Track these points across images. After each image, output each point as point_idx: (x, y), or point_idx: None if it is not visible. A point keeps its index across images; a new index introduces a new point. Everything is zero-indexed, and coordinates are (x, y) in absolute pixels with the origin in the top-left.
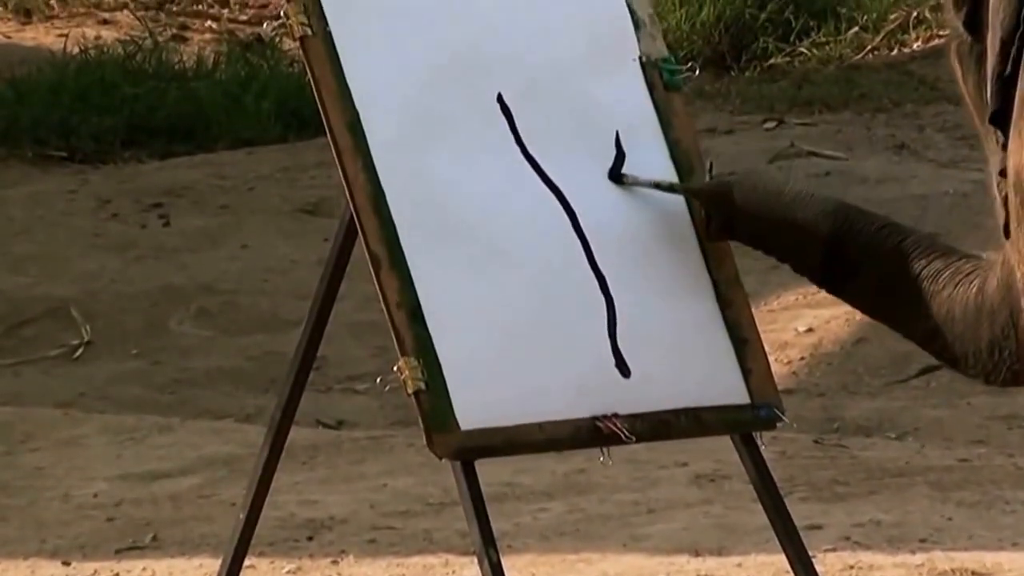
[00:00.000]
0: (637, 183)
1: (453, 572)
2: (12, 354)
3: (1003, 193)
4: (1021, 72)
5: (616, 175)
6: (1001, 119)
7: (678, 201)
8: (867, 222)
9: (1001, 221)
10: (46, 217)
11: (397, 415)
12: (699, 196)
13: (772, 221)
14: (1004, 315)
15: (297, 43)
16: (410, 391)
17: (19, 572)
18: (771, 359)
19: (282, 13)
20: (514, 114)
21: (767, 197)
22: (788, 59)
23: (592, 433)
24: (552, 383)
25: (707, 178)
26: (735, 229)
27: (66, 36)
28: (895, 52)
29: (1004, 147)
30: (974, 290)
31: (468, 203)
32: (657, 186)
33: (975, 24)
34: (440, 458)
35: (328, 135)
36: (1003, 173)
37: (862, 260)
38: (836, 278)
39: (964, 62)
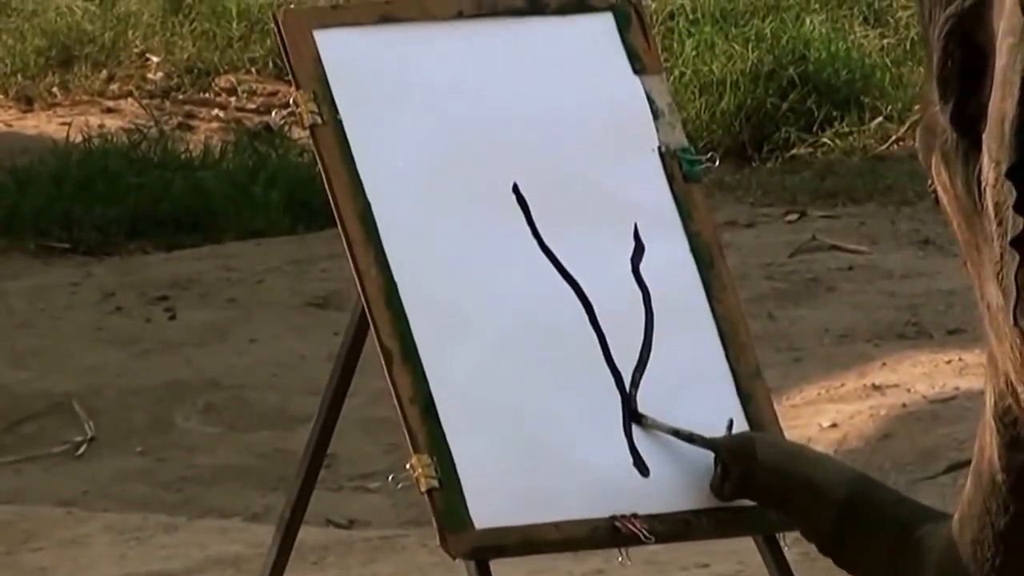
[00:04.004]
0: (656, 426)
1: None
2: (13, 451)
3: (1015, 267)
4: None
5: (635, 415)
6: (1020, 173)
7: (698, 297)
8: (884, 494)
9: (1010, 306)
10: (48, 310)
11: (410, 514)
12: (719, 450)
13: (790, 479)
14: (978, 506)
15: (307, 132)
16: (423, 489)
17: None
18: None
19: (291, 101)
20: (530, 204)
21: (787, 455)
22: (810, 149)
23: (610, 533)
24: (569, 481)
25: (726, 433)
26: (753, 485)
27: (69, 124)
28: None
29: (1018, 209)
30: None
31: (483, 296)
32: (676, 434)
33: (962, 119)
34: (454, 558)
35: (339, 226)
36: (1017, 243)
37: (872, 531)
38: (844, 545)
39: (950, 161)
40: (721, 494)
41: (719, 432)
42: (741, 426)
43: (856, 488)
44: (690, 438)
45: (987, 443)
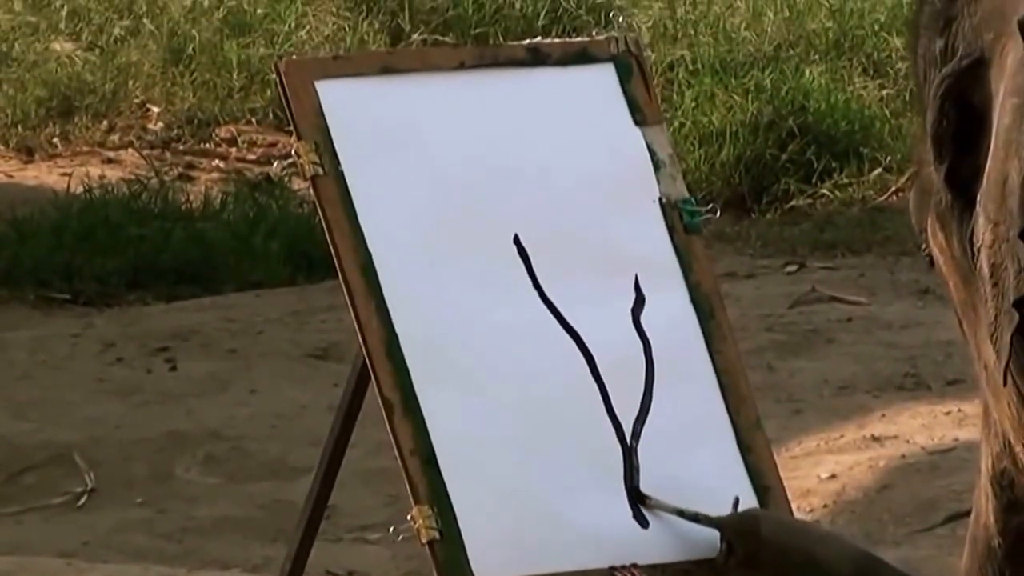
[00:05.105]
0: (660, 507)
1: None
2: (14, 502)
3: (1011, 328)
4: None
5: (640, 497)
6: None
7: (698, 348)
8: (887, 572)
9: (1001, 366)
10: (49, 361)
11: (410, 565)
12: (724, 529)
13: (795, 557)
14: (975, 574)
15: (308, 183)
16: (424, 540)
17: None
18: (793, 507)
19: (293, 152)
20: (531, 255)
21: (792, 533)
22: (810, 201)
23: None
24: (569, 532)
25: (732, 511)
26: (758, 563)
27: (69, 175)
28: None
29: None
30: None
31: (483, 348)
32: (681, 514)
33: (957, 179)
34: None
35: (340, 277)
36: (1019, 304)
37: None
38: None
39: (945, 222)
40: (726, 571)
41: (721, 485)
42: (742, 480)
43: (861, 566)
44: (695, 518)
45: (983, 508)
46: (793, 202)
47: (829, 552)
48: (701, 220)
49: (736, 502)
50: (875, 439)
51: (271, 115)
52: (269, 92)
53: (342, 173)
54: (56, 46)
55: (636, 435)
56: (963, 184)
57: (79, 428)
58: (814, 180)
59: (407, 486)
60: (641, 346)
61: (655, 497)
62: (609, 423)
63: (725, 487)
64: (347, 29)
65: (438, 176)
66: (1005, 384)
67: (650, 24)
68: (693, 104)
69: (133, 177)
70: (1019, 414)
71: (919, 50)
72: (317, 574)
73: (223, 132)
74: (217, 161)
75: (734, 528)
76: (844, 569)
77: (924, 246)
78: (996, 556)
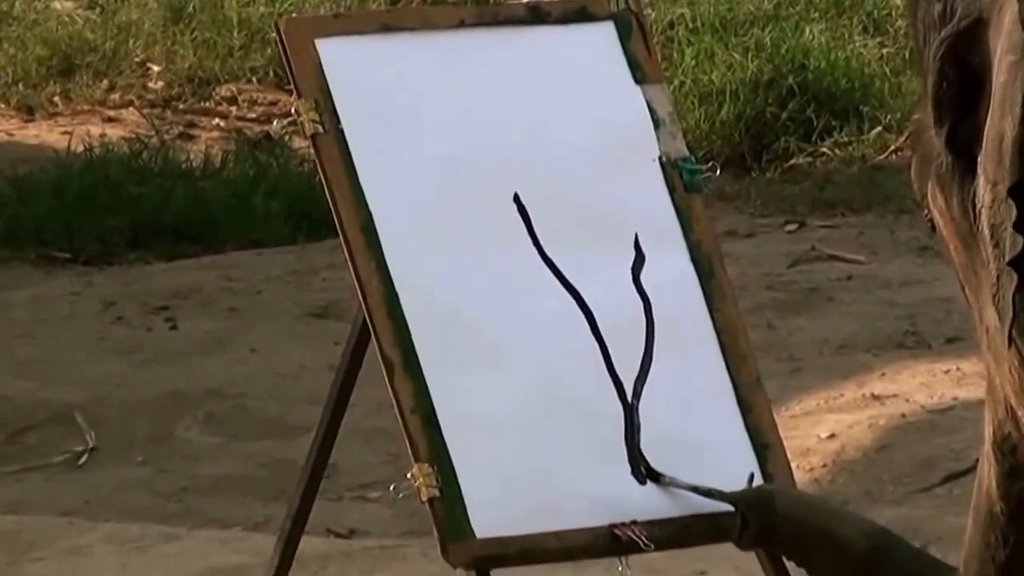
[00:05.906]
0: (675, 484)
1: None
2: (15, 461)
3: (1012, 287)
4: None
5: (653, 475)
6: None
7: (698, 307)
8: (904, 550)
9: (1005, 327)
10: (49, 320)
11: (410, 524)
12: (739, 504)
13: (810, 532)
14: (978, 542)
15: (308, 141)
16: (424, 498)
17: None
18: (793, 466)
19: (293, 111)
20: (531, 214)
21: (808, 508)
22: (810, 159)
23: (610, 541)
24: (568, 490)
25: (746, 486)
26: (773, 538)
27: (70, 134)
28: None
29: (1018, 228)
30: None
31: (483, 306)
32: (695, 490)
33: (957, 142)
34: (455, 567)
35: (340, 236)
36: (1016, 262)
37: None
38: None
39: (946, 185)
40: (740, 545)
41: (721, 443)
42: (741, 438)
43: (876, 542)
44: (708, 493)
45: (985, 475)
46: (793, 160)
47: (845, 527)
48: (701, 179)
49: (751, 478)
50: (875, 398)
51: (271, 74)
52: (269, 50)
53: (342, 131)
54: (56, 4)
55: (636, 394)
56: (963, 146)
57: (80, 387)
58: (814, 139)
59: (407, 444)
60: (641, 305)
61: (669, 475)
62: (610, 381)
63: (725, 445)
64: None
65: (438, 135)
66: (1010, 346)
67: None
68: (693, 62)
69: (134, 136)
70: (1021, 378)
71: (918, 13)
72: (318, 532)
73: (223, 91)
74: (217, 120)
75: (749, 503)
76: (859, 544)
77: (926, 211)
78: (999, 523)
